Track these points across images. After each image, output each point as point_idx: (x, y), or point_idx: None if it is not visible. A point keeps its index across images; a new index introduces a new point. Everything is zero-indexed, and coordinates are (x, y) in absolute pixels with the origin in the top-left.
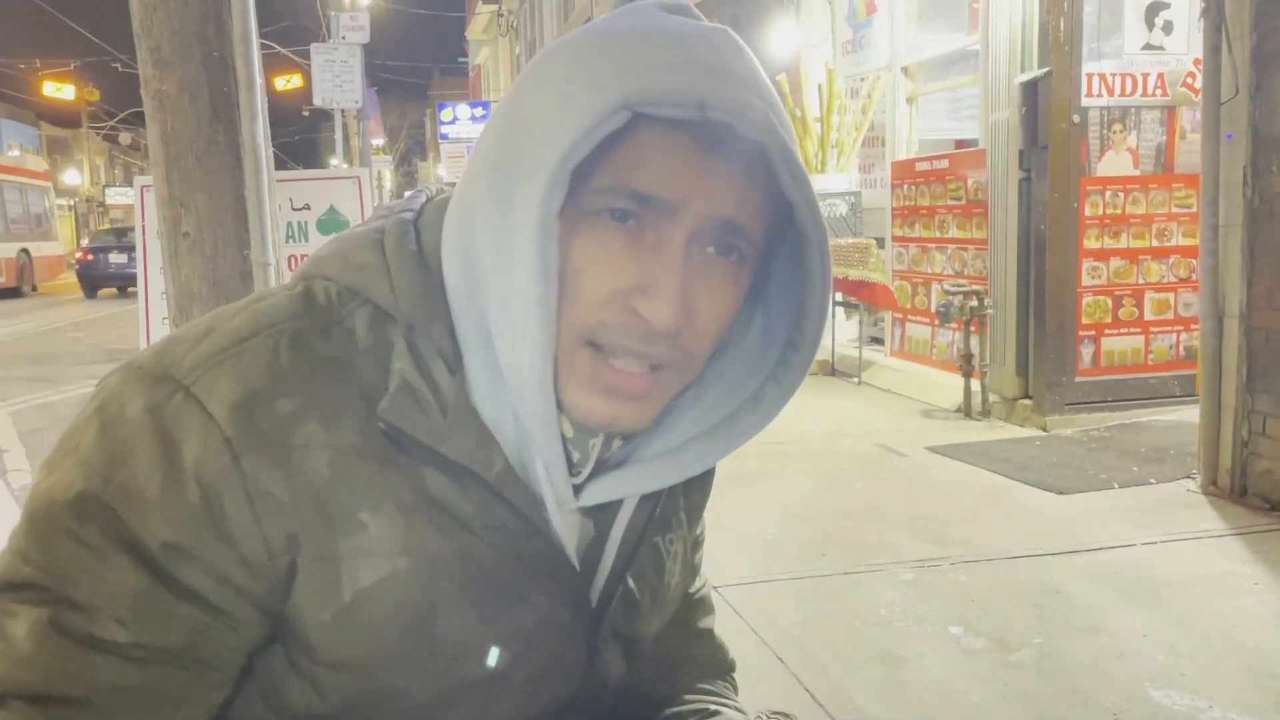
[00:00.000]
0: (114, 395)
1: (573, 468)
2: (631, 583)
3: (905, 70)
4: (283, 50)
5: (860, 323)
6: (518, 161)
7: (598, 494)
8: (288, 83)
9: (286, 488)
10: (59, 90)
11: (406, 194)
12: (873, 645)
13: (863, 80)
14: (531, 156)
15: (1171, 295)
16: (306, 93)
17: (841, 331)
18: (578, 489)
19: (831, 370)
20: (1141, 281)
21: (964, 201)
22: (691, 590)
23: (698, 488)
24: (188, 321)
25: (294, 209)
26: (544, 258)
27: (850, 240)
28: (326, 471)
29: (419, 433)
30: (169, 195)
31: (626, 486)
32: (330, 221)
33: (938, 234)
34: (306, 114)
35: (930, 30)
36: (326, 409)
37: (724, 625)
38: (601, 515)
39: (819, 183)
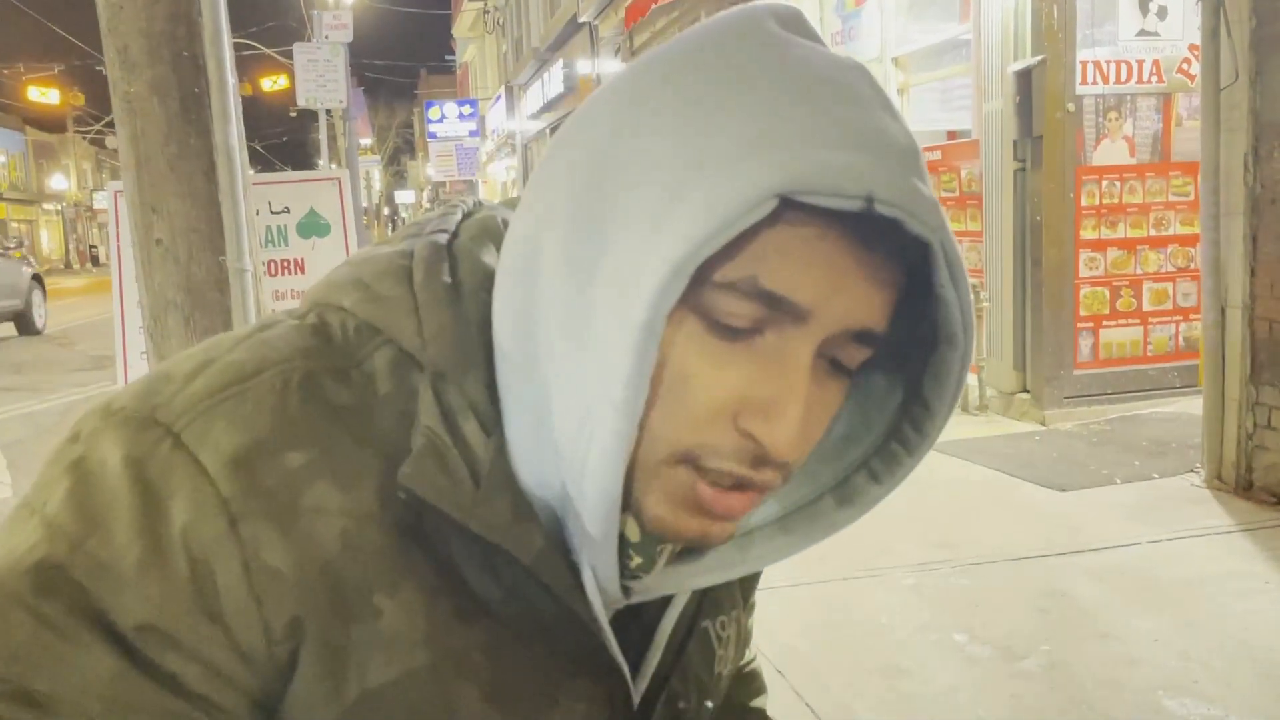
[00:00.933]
0: (88, 443)
1: (628, 570)
2: (676, 685)
3: (896, 61)
4: (268, 51)
5: None
6: (613, 231)
7: (650, 590)
8: (274, 83)
9: (292, 561)
10: (44, 95)
11: (436, 208)
12: (875, 656)
13: None
14: (639, 233)
15: (1170, 285)
16: (293, 93)
17: None
18: (627, 588)
19: None
20: (1139, 271)
21: (958, 193)
22: (742, 663)
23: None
24: (163, 331)
25: (273, 212)
26: (642, 361)
27: None
28: (338, 543)
29: (445, 504)
30: (140, 201)
31: (682, 581)
32: (310, 224)
33: None
34: (294, 114)
35: (921, 20)
36: (342, 467)
37: None
38: (644, 609)
39: None
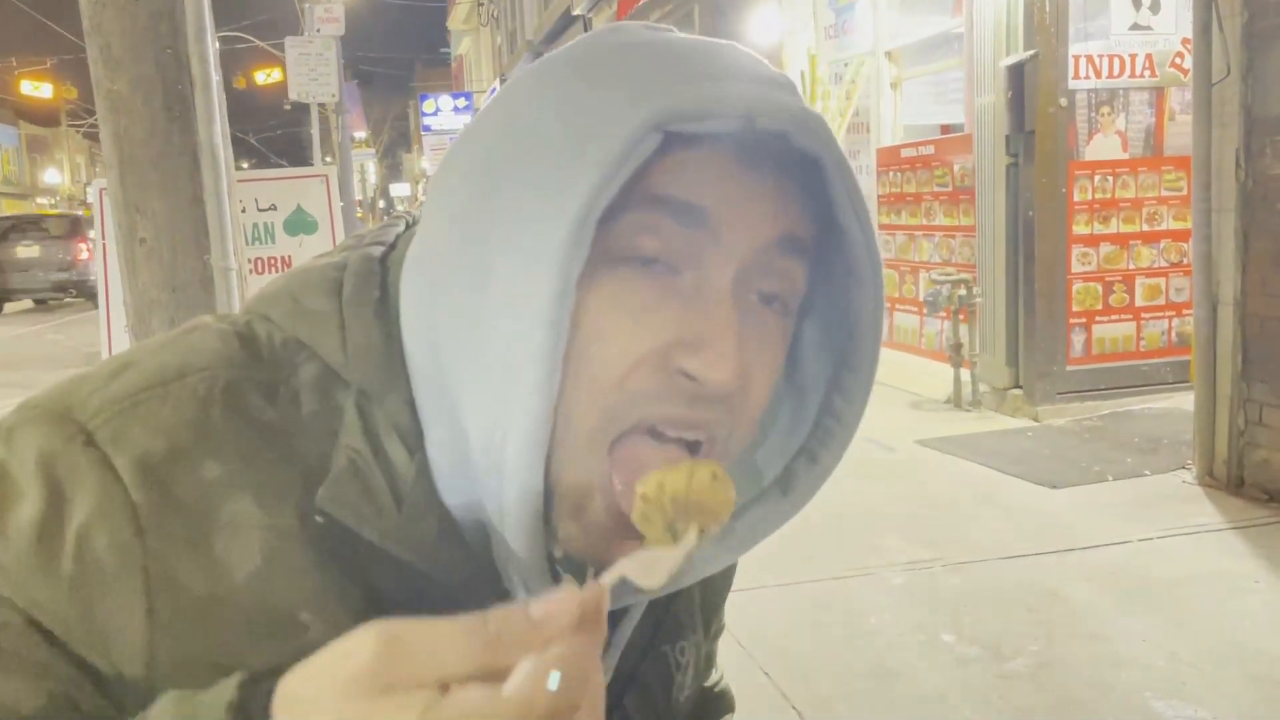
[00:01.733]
0: (3, 437)
1: (584, 578)
2: (630, 708)
3: (889, 55)
4: (261, 44)
5: None
6: (503, 210)
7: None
8: (268, 77)
9: (203, 576)
10: (37, 89)
11: (384, 220)
12: (862, 657)
13: (846, 66)
14: (532, 204)
15: (1163, 280)
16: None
17: None
18: None
19: None
20: (1132, 267)
21: (950, 188)
22: (709, 684)
23: (719, 578)
24: (147, 331)
25: (259, 209)
26: (556, 333)
27: None
28: (259, 558)
29: (365, 527)
30: (124, 200)
31: (626, 595)
32: (297, 222)
33: (924, 221)
34: (288, 108)
35: (914, 14)
36: (262, 482)
37: None
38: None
39: None
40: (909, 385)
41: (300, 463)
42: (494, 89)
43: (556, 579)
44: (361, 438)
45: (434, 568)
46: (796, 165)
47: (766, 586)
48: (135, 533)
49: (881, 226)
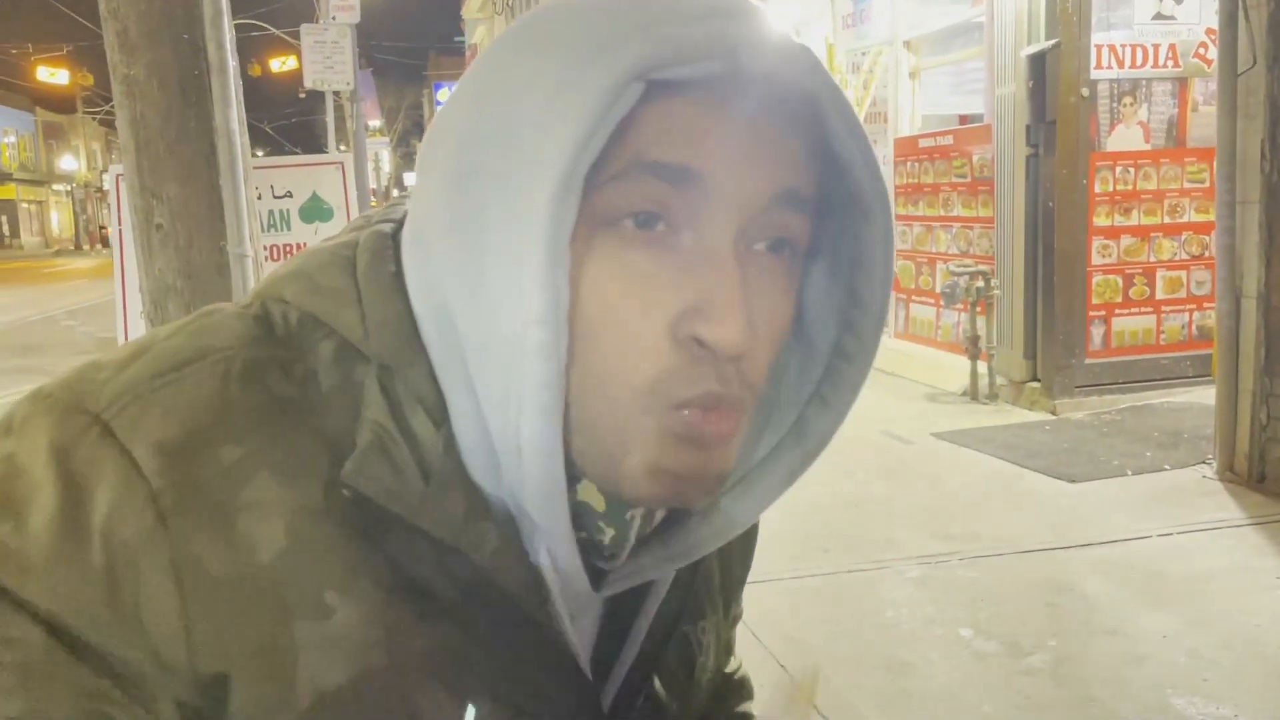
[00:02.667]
0: (15, 430)
1: (602, 548)
2: (659, 683)
3: (907, 44)
4: (277, 31)
5: None
6: (489, 172)
7: (621, 581)
8: (283, 64)
9: (228, 559)
10: (53, 75)
11: (390, 202)
12: (879, 650)
13: (864, 55)
14: (516, 164)
15: (1184, 273)
16: (302, 74)
17: None
18: (597, 579)
19: None
20: (1153, 259)
21: (969, 179)
22: (729, 671)
23: (738, 561)
24: (163, 317)
25: (275, 196)
26: (554, 297)
27: None
28: (284, 539)
29: (393, 503)
30: (140, 185)
31: (657, 566)
32: (313, 209)
33: (942, 212)
34: (303, 96)
35: (933, 3)
36: (284, 460)
37: None
38: (621, 601)
39: None
40: (926, 377)
41: (322, 440)
42: None
43: (599, 542)
44: (385, 412)
45: (462, 542)
46: (789, 102)
47: (782, 579)
48: (157, 519)
49: (898, 217)
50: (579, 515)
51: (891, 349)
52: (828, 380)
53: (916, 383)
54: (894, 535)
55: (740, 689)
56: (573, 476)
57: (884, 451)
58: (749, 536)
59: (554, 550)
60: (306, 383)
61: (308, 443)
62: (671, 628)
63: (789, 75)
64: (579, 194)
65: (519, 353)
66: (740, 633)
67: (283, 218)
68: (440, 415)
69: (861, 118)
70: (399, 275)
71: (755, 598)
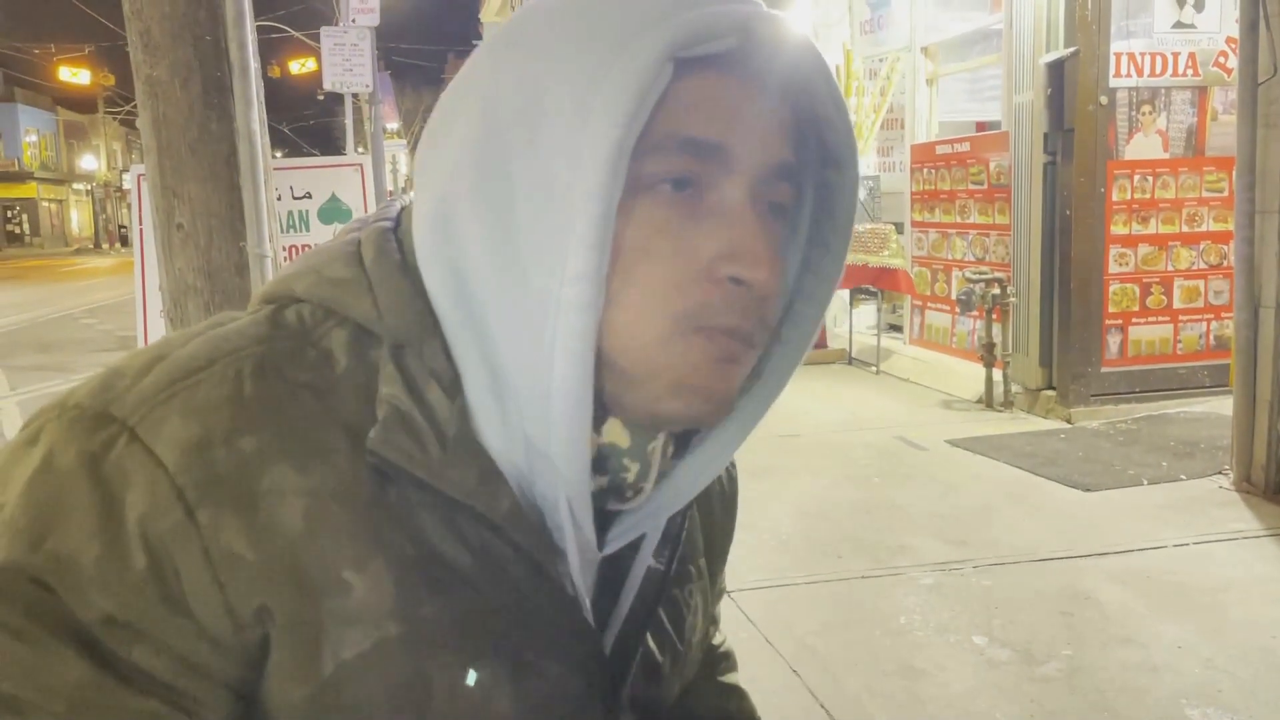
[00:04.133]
0: (43, 441)
1: (625, 492)
2: (651, 642)
3: (925, 50)
4: (296, 34)
5: (878, 310)
6: (518, 143)
7: (619, 538)
8: (302, 66)
9: (253, 544)
10: (75, 75)
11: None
12: (892, 656)
13: (881, 61)
14: (551, 138)
15: (1201, 282)
16: (321, 76)
17: (859, 319)
18: (601, 535)
19: (849, 359)
20: (1170, 268)
21: (986, 186)
22: (716, 643)
23: (720, 531)
24: (183, 316)
25: (294, 197)
26: (601, 257)
27: (869, 226)
28: (301, 523)
29: (415, 467)
30: (161, 185)
31: (652, 518)
32: (332, 210)
33: (958, 219)
34: (321, 98)
35: (951, 9)
36: (300, 447)
37: (737, 634)
38: (612, 563)
39: None
40: (940, 384)
41: (339, 422)
42: None
43: (623, 480)
44: (402, 387)
45: (478, 502)
46: (787, 72)
47: (796, 584)
48: (186, 514)
49: (914, 224)
50: (605, 458)
51: (907, 355)
52: (787, 319)
53: (931, 389)
54: (908, 542)
55: (725, 660)
56: (599, 419)
57: (899, 458)
58: (730, 510)
59: (572, 500)
60: (321, 367)
61: (324, 427)
62: (661, 589)
63: (788, 48)
64: (627, 163)
65: (552, 307)
66: (755, 638)
67: (302, 218)
68: (454, 388)
69: (878, 123)
70: (404, 263)
71: (769, 602)
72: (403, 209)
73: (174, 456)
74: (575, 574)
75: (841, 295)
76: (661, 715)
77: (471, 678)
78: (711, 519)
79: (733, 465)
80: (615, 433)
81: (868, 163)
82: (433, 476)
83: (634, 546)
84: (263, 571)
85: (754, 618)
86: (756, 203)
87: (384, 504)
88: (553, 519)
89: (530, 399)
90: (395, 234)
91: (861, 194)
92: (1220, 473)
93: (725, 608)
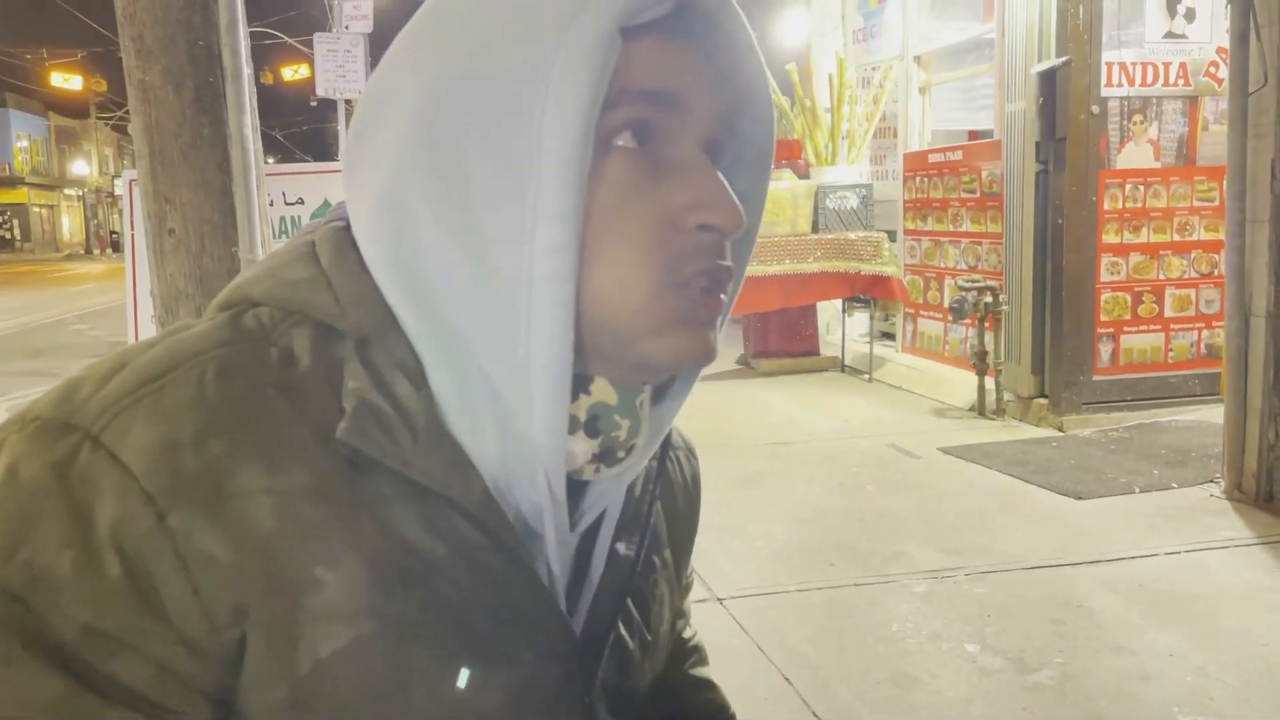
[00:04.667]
0: (5, 455)
1: (619, 451)
2: (622, 629)
3: (918, 59)
4: (289, 40)
5: (871, 318)
6: (468, 126)
7: (588, 514)
8: (295, 72)
9: (226, 545)
10: (66, 80)
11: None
12: (885, 664)
13: (874, 69)
14: (504, 117)
15: (1193, 291)
16: (313, 82)
17: (852, 327)
18: (573, 513)
19: (842, 367)
20: (1162, 277)
21: (978, 194)
22: (685, 637)
23: (683, 527)
24: (173, 321)
25: (287, 203)
26: (575, 226)
27: (861, 234)
28: (273, 522)
29: (386, 458)
30: (153, 190)
31: (614, 490)
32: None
33: (951, 227)
34: (314, 104)
35: (944, 18)
36: (268, 446)
37: (729, 642)
38: (576, 550)
39: (829, 175)
40: (933, 392)
41: (307, 418)
42: None
43: (614, 439)
44: (367, 380)
45: (451, 490)
46: (713, 28)
47: (788, 591)
48: (157, 519)
49: (907, 232)
50: (596, 418)
51: (900, 363)
52: None
53: (924, 397)
54: (901, 549)
55: (696, 653)
56: (582, 384)
57: (891, 465)
58: (692, 504)
59: (550, 474)
60: (284, 367)
61: (291, 425)
62: (630, 577)
63: (726, 16)
64: (593, 133)
65: (524, 283)
66: (747, 646)
67: (294, 224)
68: (419, 378)
69: (871, 131)
70: (362, 260)
71: (760, 610)
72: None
73: (141, 462)
74: (552, 557)
75: (834, 303)
76: (633, 704)
77: (463, 679)
78: (675, 512)
79: (695, 460)
80: (604, 392)
81: (861, 171)
82: (404, 466)
83: (595, 530)
84: (236, 571)
85: (746, 625)
86: (709, 151)
87: (356, 498)
88: (527, 504)
89: (506, 378)
90: (350, 234)
91: (855, 202)
92: (1212, 481)
93: (718, 616)
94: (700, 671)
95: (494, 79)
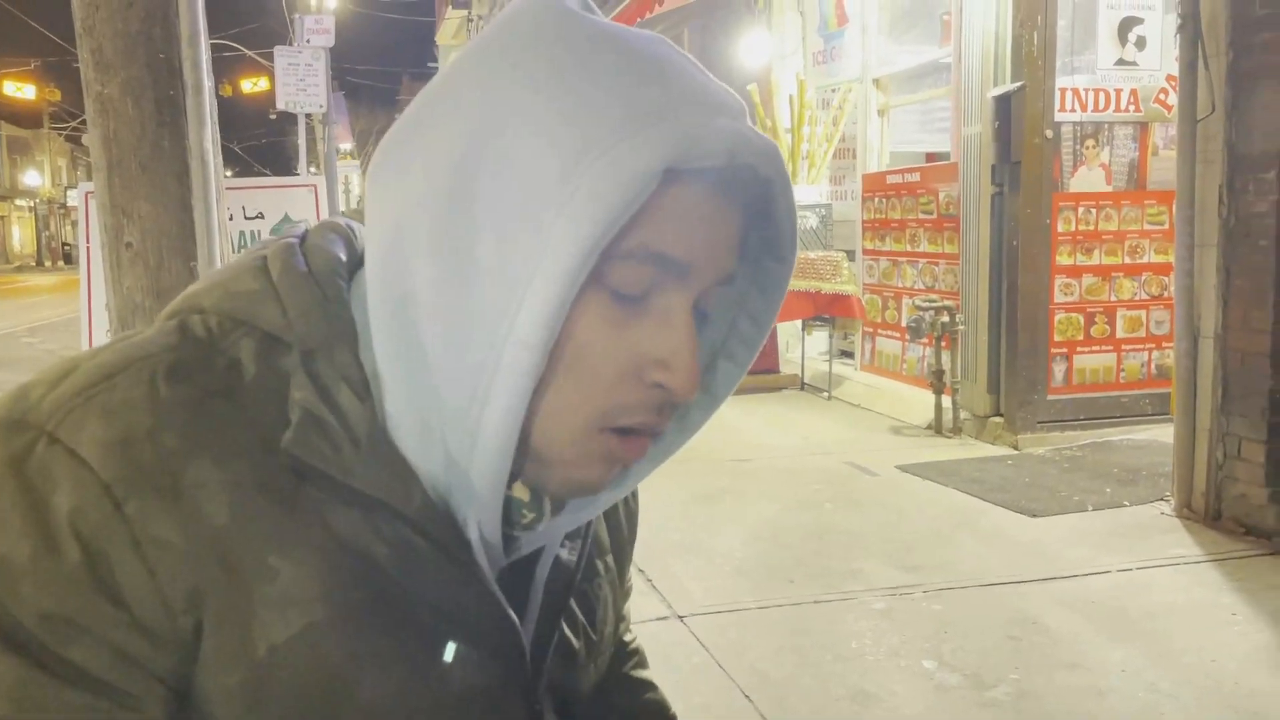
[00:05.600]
0: None
1: (520, 524)
2: (567, 630)
3: (877, 82)
4: (249, 53)
5: (830, 336)
6: (486, 215)
7: (534, 539)
8: (254, 85)
9: (182, 532)
10: (19, 90)
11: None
12: (843, 681)
13: (834, 91)
14: (527, 218)
15: (1144, 313)
16: (274, 95)
17: (811, 345)
18: (513, 541)
19: (801, 385)
20: (1114, 299)
21: (935, 216)
22: (626, 640)
23: (623, 532)
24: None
25: (246, 217)
26: (551, 334)
27: (820, 254)
28: (226, 513)
29: (329, 466)
30: (110, 203)
31: (573, 518)
32: (284, 231)
33: (909, 248)
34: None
35: (902, 42)
36: (220, 444)
37: (690, 659)
38: (517, 563)
39: None
40: (891, 410)
41: (253, 425)
42: None
43: (518, 521)
44: (313, 391)
45: (392, 498)
46: (751, 187)
47: (748, 609)
48: (114, 507)
49: (866, 252)
50: (506, 508)
51: (858, 381)
52: (709, 372)
53: (882, 415)
54: (859, 566)
55: (636, 656)
56: (512, 473)
57: (850, 483)
58: (631, 512)
59: (483, 524)
60: (230, 375)
61: (237, 429)
62: (571, 581)
63: (765, 169)
64: (595, 261)
65: (495, 361)
66: (707, 664)
67: (254, 239)
68: (365, 391)
69: (830, 153)
70: (309, 274)
71: (721, 627)
72: (308, 229)
73: (97, 454)
74: (485, 568)
75: (794, 322)
76: (578, 703)
77: (450, 651)
78: (615, 519)
79: None
80: (519, 490)
81: (820, 191)
82: (347, 475)
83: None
84: (191, 555)
85: (707, 643)
86: (694, 309)
87: (301, 502)
88: (463, 518)
89: (458, 430)
90: (301, 249)
91: (814, 222)
92: (1162, 499)
93: (679, 633)
94: (641, 673)
95: (527, 160)
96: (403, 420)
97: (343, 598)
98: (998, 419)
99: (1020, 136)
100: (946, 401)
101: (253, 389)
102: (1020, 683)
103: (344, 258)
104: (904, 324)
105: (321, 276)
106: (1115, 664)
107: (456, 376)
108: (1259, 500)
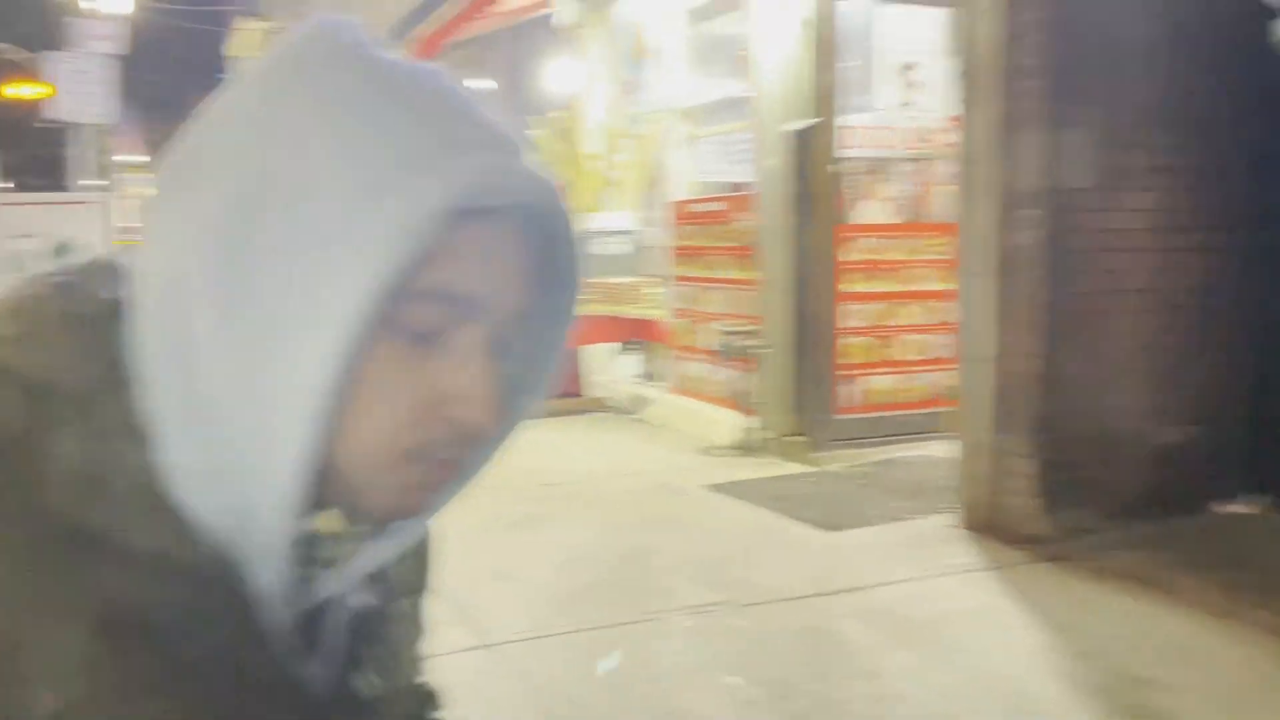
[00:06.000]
0: None
1: (323, 561)
2: (361, 676)
3: (683, 113)
4: (14, 58)
5: (639, 359)
6: (270, 238)
7: (333, 583)
8: (17, 90)
9: None
10: None
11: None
12: (653, 702)
13: (642, 121)
14: (307, 248)
15: (927, 337)
16: (42, 104)
17: (622, 368)
18: (306, 586)
19: (611, 407)
20: (898, 324)
21: (739, 243)
22: (421, 683)
23: (416, 576)
24: None
25: (10, 236)
26: (338, 381)
27: (625, 279)
28: None
29: (103, 525)
30: None
31: (359, 565)
32: (64, 250)
33: (715, 274)
34: (38, 126)
35: (706, 75)
36: None
37: (501, 688)
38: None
39: (596, 221)
40: (700, 431)
41: (17, 483)
42: None
43: (321, 558)
44: (84, 443)
45: (174, 556)
46: (537, 224)
47: (556, 634)
48: None
49: (677, 279)
50: (314, 544)
51: (667, 403)
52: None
53: (691, 436)
54: (669, 586)
55: (430, 699)
56: (318, 505)
57: (660, 504)
58: (426, 548)
59: (275, 573)
60: None
61: (6, 487)
62: (368, 626)
63: (543, 204)
64: (376, 304)
65: (277, 410)
66: (521, 692)
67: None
68: (140, 443)
69: (639, 180)
70: (78, 318)
71: (534, 654)
72: (90, 261)
73: None
74: (279, 623)
75: (606, 345)
76: None
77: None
78: (416, 558)
79: None
80: (331, 521)
81: (629, 218)
82: (123, 533)
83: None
84: None
85: (519, 669)
86: (493, 343)
87: (80, 560)
88: (252, 571)
89: (247, 478)
90: (80, 287)
91: (621, 247)
92: (949, 511)
93: (488, 661)
94: (439, 715)
95: (310, 206)
96: (185, 471)
97: (114, 669)
98: (799, 438)
99: (812, 170)
100: (753, 421)
101: (17, 445)
102: (819, 693)
103: (117, 297)
104: (711, 347)
105: (89, 320)
106: (907, 669)
107: (241, 424)
108: (1032, 510)
